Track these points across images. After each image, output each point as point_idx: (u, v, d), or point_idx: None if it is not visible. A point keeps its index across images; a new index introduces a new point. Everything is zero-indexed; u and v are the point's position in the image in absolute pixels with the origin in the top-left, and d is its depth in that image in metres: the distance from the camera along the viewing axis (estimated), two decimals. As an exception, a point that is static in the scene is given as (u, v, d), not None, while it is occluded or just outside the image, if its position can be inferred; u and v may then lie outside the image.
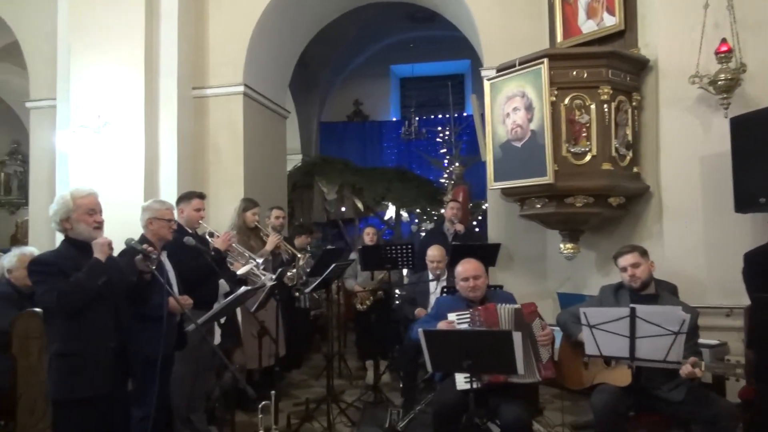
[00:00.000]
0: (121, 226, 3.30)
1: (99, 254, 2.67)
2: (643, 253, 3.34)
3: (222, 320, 3.45)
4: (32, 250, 3.94)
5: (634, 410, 2.84)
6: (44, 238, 6.20)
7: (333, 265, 4.37)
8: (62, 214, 2.75)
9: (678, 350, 2.63)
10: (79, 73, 5.84)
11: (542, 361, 3.21)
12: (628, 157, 4.46)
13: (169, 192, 5.61)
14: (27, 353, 3.37)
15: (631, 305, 2.72)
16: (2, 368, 3.55)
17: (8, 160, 12.66)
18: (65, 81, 6.02)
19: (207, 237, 4.15)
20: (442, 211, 7.73)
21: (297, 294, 5.50)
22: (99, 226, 2.81)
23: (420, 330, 2.85)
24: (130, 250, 2.94)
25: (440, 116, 11.39)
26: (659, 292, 3.33)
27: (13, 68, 9.07)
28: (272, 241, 4.70)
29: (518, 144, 4.55)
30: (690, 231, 4.21)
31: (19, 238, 10.35)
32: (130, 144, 5.69)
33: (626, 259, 3.29)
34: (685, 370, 2.67)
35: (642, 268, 3.27)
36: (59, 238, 2.97)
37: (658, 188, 4.43)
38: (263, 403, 3.38)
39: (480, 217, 8.24)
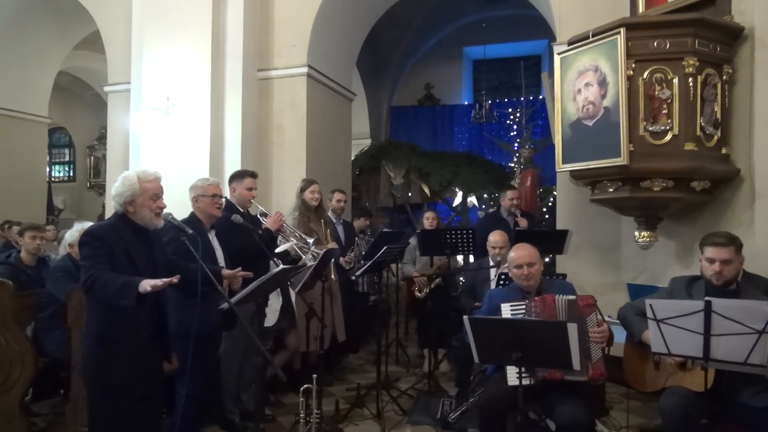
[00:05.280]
0: (186, 205, 3.50)
1: (145, 288, 2.44)
2: (740, 247, 2.87)
3: (260, 300, 3.32)
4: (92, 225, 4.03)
5: (708, 417, 2.50)
6: (118, 216, 6.46)
7: (384, 248, 4.21)
8: (127, 197, 2.69)
9: (762, 351, 2.27)
10: (150, 56, 6.04)
11: (591, 360, 2.89)
12: (716, 137, 4.04)
13: (232, 172, 5.65)
14: (81, 325, 3.41)
15: (707, 298, 2.37)
16: (60, 339, 3.67)
17: (97, 144, 13.47)
18: (138, 65, 6.24)
19: (259, 217, 4.10)
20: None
21: (353, 278, 5.38)
22: (159, 212, 2.78)
23: (465, 318, 2.64)
24: (173, 231, 2.95)
25: (513, 99, 10.94)
26: (741, 286, 2.90)
27: (99, 56, 9.53)
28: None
29: (590, 122, 4.22)
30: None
31: (104, 218, 10.91)
32: (196, 125, 5.84)
33: (720, 252, 2.81)
34: None
35: (732, 266, 2.82)
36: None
37: (751, 172, 3.98)
38: (304, 386, 3.29)
39: (551, 203, 7.81)
